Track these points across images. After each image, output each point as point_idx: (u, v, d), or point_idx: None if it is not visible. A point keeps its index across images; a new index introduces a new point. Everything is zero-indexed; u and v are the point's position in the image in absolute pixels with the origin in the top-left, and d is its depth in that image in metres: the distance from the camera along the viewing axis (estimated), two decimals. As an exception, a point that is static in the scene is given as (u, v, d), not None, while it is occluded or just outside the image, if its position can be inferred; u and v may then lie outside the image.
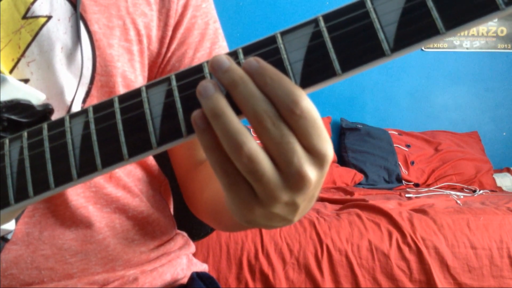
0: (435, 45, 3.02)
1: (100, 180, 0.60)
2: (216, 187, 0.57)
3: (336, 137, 2.90)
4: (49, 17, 0.56)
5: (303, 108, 0.33)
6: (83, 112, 0.39)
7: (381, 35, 0.33)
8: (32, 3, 0.56)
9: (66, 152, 0.39)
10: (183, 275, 0.67)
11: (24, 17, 0.56)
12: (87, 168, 0.38)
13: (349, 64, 0.33)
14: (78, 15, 0.57)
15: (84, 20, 0.58)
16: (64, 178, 0.39)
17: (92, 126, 0.38)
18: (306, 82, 0.34)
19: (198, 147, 0.64)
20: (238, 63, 0.35)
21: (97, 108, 0.38)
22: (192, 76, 0.36)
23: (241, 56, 0.36)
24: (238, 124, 0.34)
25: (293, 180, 0.35)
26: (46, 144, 0.40)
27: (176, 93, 0.36)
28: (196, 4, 0.65)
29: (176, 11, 0.63)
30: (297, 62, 0.34)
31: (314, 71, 0.34)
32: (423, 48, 3.02)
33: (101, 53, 0.58)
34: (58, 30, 0.56)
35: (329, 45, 0.33)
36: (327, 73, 0.34)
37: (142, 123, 0.37)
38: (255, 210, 0.37)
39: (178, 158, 0.68)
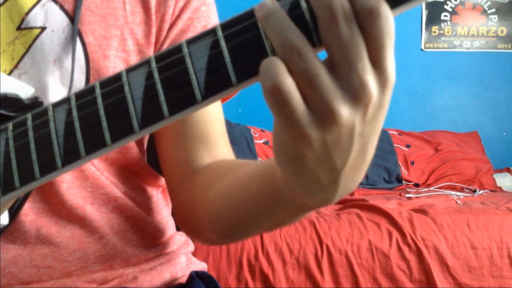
0: (435, 45, 3.02)
1: (97, 180, 0.59)
2: (231, 179, 0.53)
3: (336, 137, 2.90)
4: (43, 28, 0.55)
5: (386, 10, 0.30)
6: (66, 100, 0.39)
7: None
8: (27, 14, 0.55)
9: (50, 141, 0.38)
10: (182, 274, 0.66)
11: (19, 28, 0.55)
12: (71, 156, 0.38)
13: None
14: (76, 27, 0.55)
15: (79, 31, 0.56)
16: (49, 167, 0.38)
17: (75, 113, 0.38)
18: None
19: (200, 151, 0.61)
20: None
21: (79, 95, 0.38)
22: (171, 57, 0.36)
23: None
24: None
25: (354, 89, 0.30)
26: (31, 134, 0.40)
27: (156, 75, 0.36)
28: (195, 7, 0.64)
29: (172, 14, 0.62)
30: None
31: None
32: (423, 48, 3.02)
33: (95, 65, 0.56)
34: (52, 42, 0.55)
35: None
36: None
37: (124, 107, 0.36)
38: (310, 136, 0.32)
39: (172, 167, 0.64)
